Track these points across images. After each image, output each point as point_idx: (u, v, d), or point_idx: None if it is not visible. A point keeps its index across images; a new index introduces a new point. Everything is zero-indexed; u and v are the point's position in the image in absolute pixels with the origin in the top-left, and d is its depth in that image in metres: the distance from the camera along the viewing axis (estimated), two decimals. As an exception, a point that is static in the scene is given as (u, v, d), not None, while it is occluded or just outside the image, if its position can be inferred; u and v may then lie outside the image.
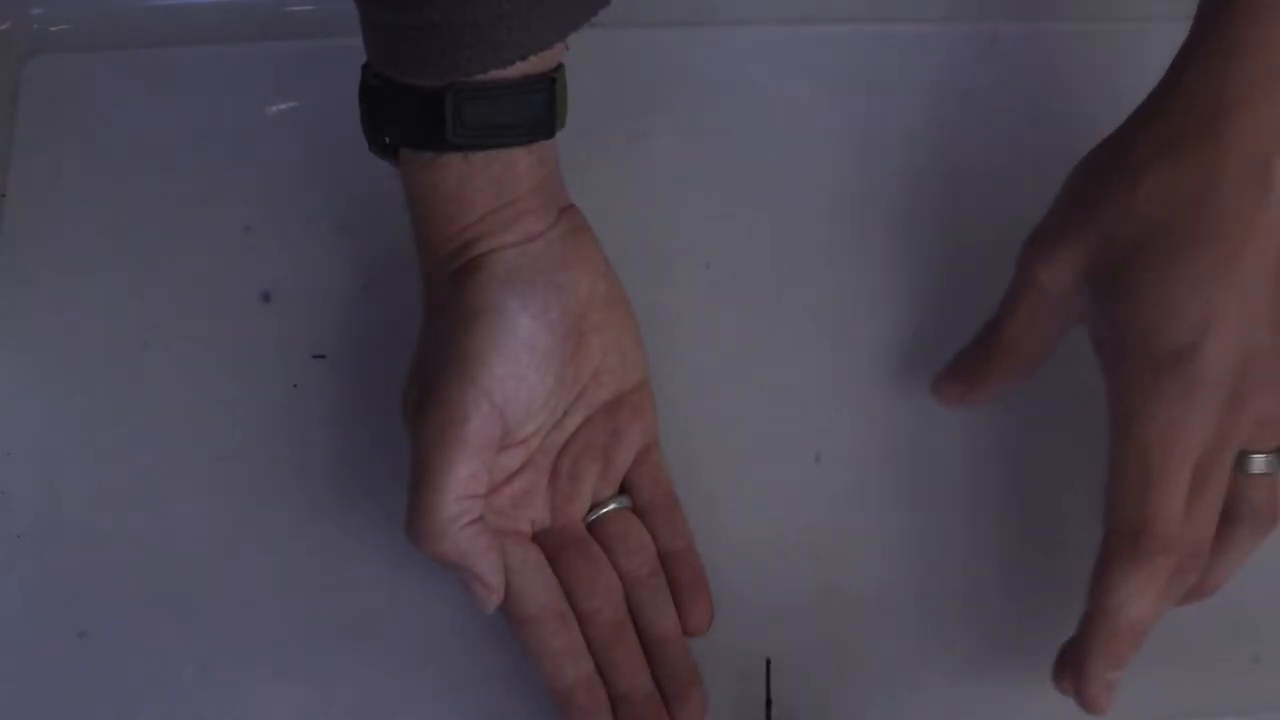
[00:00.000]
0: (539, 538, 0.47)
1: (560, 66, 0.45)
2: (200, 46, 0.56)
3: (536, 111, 0.44)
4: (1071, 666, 0.44)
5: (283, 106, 0.55)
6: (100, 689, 0.47)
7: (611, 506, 0.48)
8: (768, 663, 0.47)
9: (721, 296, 0.53)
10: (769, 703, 0.47)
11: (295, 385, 0.51)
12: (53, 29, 0.56)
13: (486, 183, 0.44)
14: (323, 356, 0.52)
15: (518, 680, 0.47)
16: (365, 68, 0.44)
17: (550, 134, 0.45)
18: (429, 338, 0.46)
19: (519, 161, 0.44)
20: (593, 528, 0.48)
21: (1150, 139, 0.43)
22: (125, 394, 0.51)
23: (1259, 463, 0.43)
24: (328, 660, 0.48)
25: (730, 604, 0.49)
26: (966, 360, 0.49)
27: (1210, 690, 0.48)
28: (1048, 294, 0.45)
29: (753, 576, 0.49)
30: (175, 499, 0.50)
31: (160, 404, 0.51)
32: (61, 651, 0.47)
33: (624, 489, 0.49)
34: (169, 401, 0.51)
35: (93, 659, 0.47)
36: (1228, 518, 0.43)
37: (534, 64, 0.43)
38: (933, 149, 0.56)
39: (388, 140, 0.45)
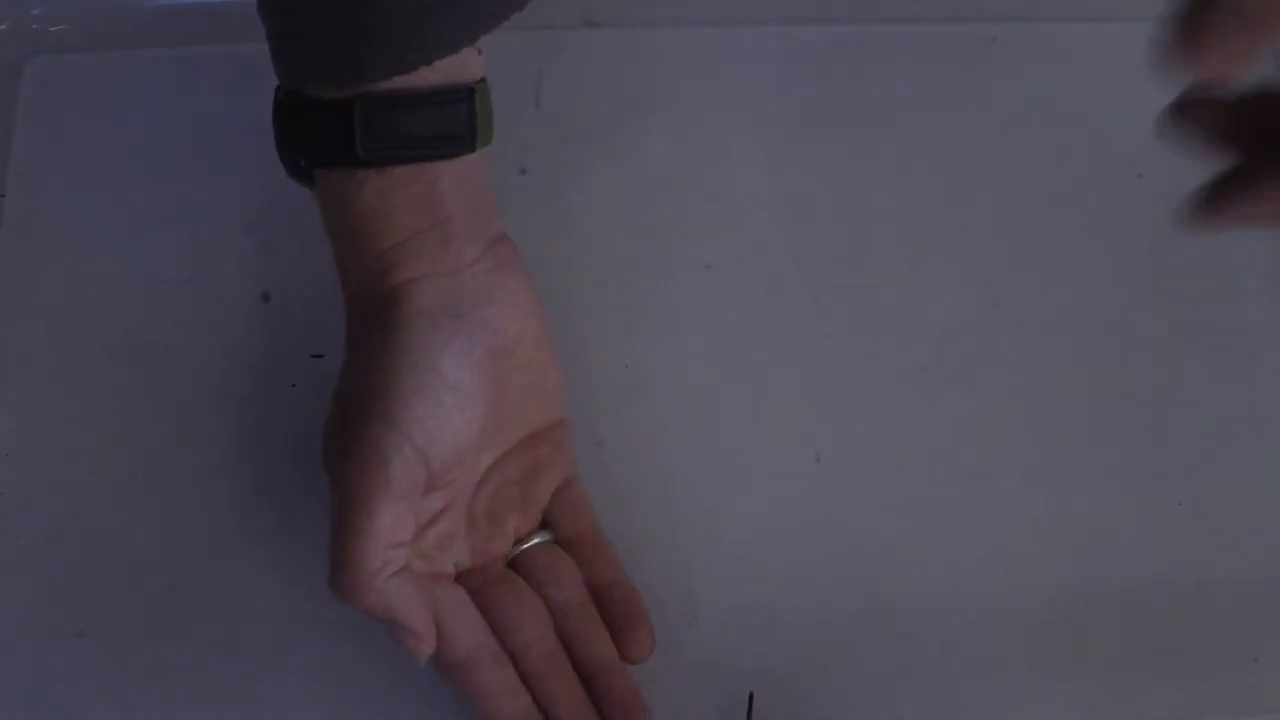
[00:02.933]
0: (461, 578, 0.46)
1: (483, 81, 0.44)
2: (200, 47, 0.56)
3: (455, 123, 0.42)
4: None
5: (283, 106, 0.55)
6: (100, 689, 0.47)
7: (535, 541, 0.47)
8: (750, 697, 0.47)
9: (721, 296, 0.53)
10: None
11: (294, 385, 0.51)
12: (53, 29, 0.56)
13: (407, 200, 0.42)
14: (321, 356, 0.52)
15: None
16: (279, 87, 0.43)
17: (471, 147, 0.43)
18: (349, 374, 0.44)
19: (442, 177, 0.42)
20: (516, 563, 0.47)
21: None
22: (125, 394, 0.51)
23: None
24: (328, 659, 0.48)
25: (728, 604, 0.49)
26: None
27: (1210, 690, 0.48)
28: None
29: (751, 576, 0.49)
30: (175, 499, 0.50)
31: (160, 404, 0.51)
32: (61, 651, 0.47)
33: (546, 525, 0.48)
34: (168, 401, 0.51)
35: (93, 659, 0.47)
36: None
37: (449, 74, 0.42)
38: (932, 149, 0.56)
39: (302, 162, 0.43)
